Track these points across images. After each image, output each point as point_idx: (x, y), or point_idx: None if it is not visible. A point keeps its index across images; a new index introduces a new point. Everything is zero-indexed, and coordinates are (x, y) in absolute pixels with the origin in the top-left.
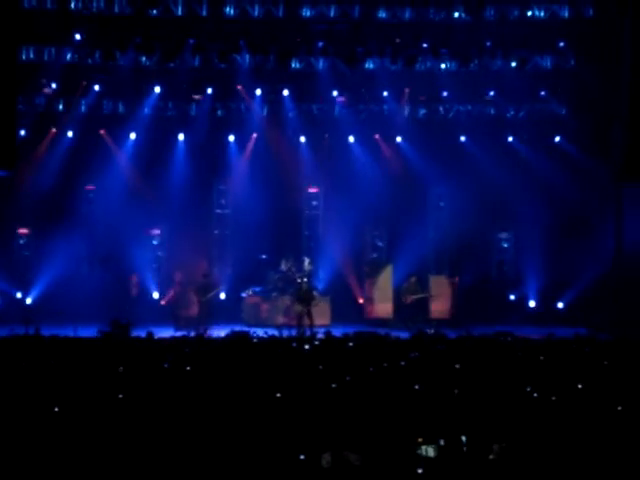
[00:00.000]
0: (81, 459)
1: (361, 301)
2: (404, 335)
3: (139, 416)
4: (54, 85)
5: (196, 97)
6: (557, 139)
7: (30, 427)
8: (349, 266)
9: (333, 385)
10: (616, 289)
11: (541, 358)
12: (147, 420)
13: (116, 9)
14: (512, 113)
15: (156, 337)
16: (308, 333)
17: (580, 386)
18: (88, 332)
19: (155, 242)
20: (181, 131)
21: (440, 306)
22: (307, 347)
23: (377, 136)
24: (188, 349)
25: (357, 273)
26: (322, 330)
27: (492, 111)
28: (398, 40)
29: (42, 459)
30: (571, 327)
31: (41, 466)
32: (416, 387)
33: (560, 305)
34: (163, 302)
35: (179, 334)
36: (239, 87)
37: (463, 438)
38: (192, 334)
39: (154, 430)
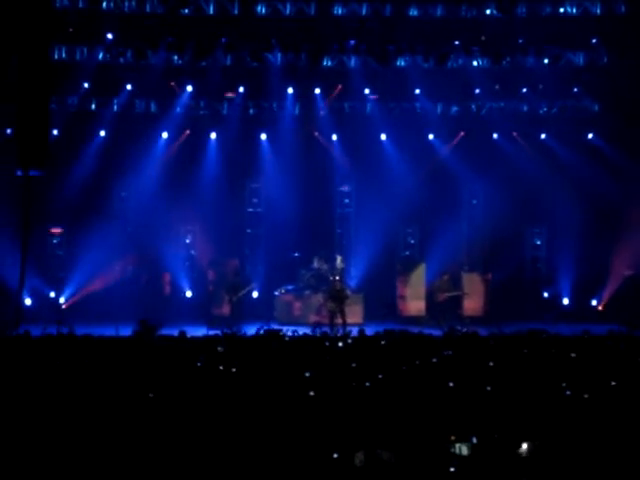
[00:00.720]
0: (112, 457)
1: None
2: (437, 333)
3: (171, 415)
4: (86, 85)
5: (229, 95)
6: (590, 136)
7: (59, 425)
8: (382, 264)
9: (366, 383)
10: None
11: (572, 355)
12: (179, 419)
13: (148, 8)
14: (545, 110)
15: (189, 336)
16: (341, 331)
17: (614, 383)
18: (122, 331)
19: (188, 240)
20: (213, 130)
21: (473, 304)
22: (340, 345)
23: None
24: (220, 347)
25: (390, 271)
26: (355, 328)
27: (525, 108)
28: (427, 37)
29: (73, 457)
30: (606, 324)
31: (70, 464)
32: (450, 384)
33: (594, 302)
34: None
35: (212, 333)
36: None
37: (496, 436)
38: (225, 333)
39: (187, 428)
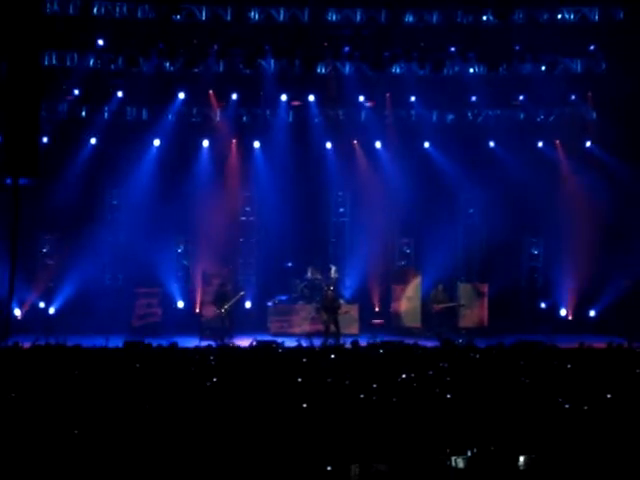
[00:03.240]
0: (103, 468)
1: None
2: (432, 344)
3: (162, 426)
4: (77, 91)
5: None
6: (587, 144)
7: (50, 436)
8: (377, 274)
9: (361, 395)
10: None
11: (570, 367)
12: (170, 431)
13: (139, 14)
14: (542, 117)
15: (180, 347)
16: (334, 342)
17: (611, 396)
18: (112, 341)
19: (180, 250)
20: (205, 137)
21: (470, 314)
22: (333, 356)
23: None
24: (212, 359)
25: (385, 281)
26: (349, 339)
27: (521, 116)
28: (422, 44)
29: (63, 467)
30: (603, 336)
31: (61, 474)
32: (446, 396)
33: (592, 314)
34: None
35: (204, 344)
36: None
37: (492, 449)
38: (216, 344)
39: (178, 441)
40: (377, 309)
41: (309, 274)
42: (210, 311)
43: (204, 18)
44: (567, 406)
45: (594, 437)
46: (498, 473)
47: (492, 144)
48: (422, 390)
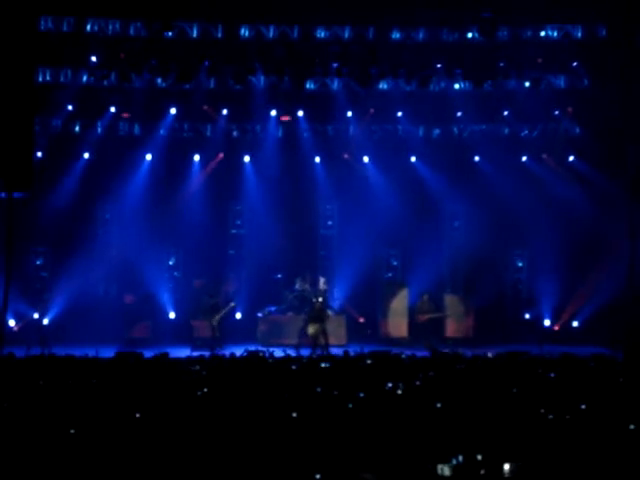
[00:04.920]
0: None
1: (361, 320)
2: (419, 354)
3: (154, 437)
4: (70, 107)
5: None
6: (571, 158)
7: (43, 447)
8: (364, 285)
9: (349, 405)
10: (631, 308)
11: (554, 376)
12: (161, 441)
13: (131, 32)
14: (526, 132)
15: (171, 357)
16: (323, 352)
17: (594, 405)
18: (105, 352)
19: (171, 262)
20: (197, 152)
21: (455, 325)
22: (322, 366)
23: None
24: (202, 369)
25: (372, 292)
26: (338, 349)
27: (506, 131)
28: (409, 61)
29: (55, 478)
30: (587, 346)
31: None
32: (432, 406)
33: (575, 324)
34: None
35: (195, 354)
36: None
37: (478, 457)
38: (208, 354)
39: (168, 451)
40: (362, 320)
41: (298, 285)
42: (201, 322)
43: (195, 35)
44: (551, 417)
45: (580, 446)
46: None
47: (477, 159)
48: (410, 399)
